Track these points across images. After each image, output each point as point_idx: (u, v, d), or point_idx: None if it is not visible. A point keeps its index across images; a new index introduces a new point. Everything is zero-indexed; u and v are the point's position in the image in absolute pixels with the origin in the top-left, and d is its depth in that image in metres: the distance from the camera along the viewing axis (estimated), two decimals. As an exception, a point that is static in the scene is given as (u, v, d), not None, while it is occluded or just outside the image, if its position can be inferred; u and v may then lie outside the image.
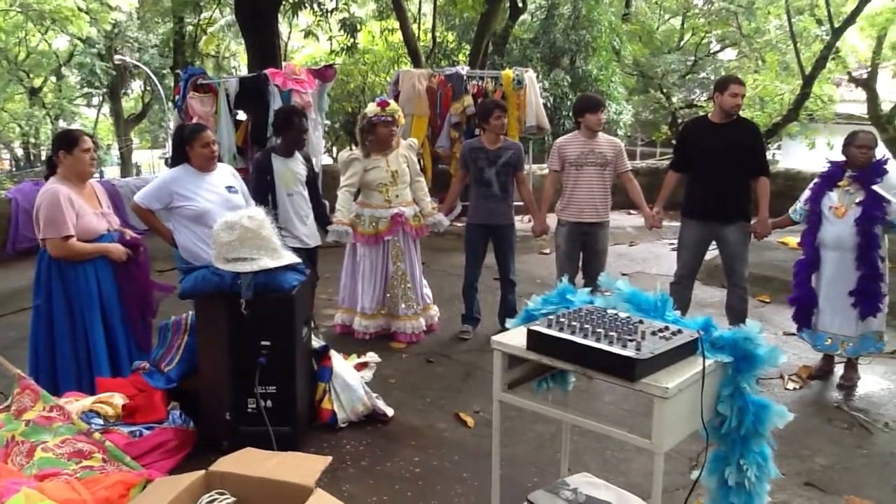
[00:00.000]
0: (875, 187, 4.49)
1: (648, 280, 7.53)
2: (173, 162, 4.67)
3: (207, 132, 4.61)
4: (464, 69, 9.35)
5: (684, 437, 2.45)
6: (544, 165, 11.52)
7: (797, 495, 3.67)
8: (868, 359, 5.25)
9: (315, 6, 12.64)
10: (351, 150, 5.89)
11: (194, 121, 7.59)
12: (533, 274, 7.75)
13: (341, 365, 4.40)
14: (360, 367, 4.66)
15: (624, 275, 7.87)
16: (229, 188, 4.66)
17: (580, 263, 5.68)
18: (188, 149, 4.52)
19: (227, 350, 3.81)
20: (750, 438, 2.48)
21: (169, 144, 4.99)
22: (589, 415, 2.59)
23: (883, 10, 14.57)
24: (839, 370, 5.16)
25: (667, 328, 2.41)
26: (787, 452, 4.07)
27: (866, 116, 14.46)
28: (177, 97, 8.54)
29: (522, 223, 7.47)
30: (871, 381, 5.13)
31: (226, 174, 4.76)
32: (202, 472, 2.75)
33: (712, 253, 5.56)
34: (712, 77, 18.17)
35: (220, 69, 21.95)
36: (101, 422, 3.67)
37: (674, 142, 6.14)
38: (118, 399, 3.82)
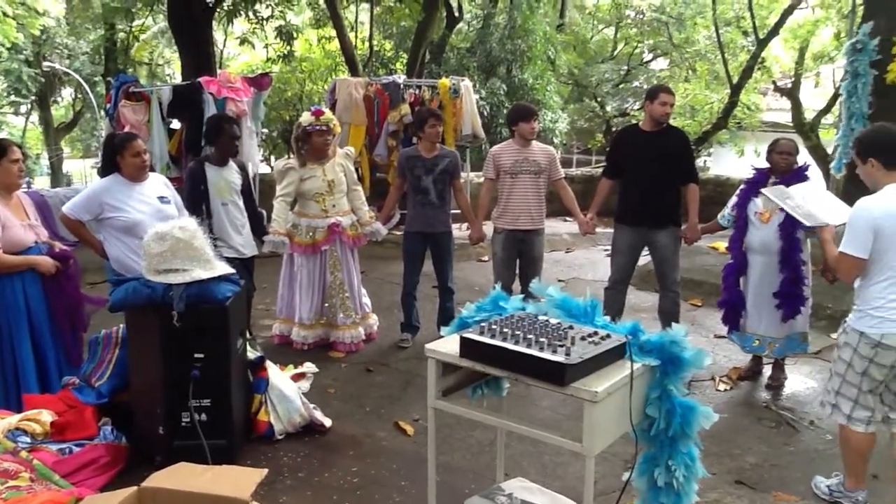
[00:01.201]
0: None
1: (584, 286, 7.66)
2: (103, 172, 4.58)
3: (138, 141, 4.53)
4: (401, 78, 9.37)
5: (614, 440, 2.51)
6: (482, 173, 11.60)
7: (728, 493, 3.77)
8: (794, 359, 5.44)
9: (250, 14, 12.52)
10: (287, 159, 5.86)
11: (126, 129, 7.45)
12: (471, 281, 7.80)
13: (278, 376, 4.36)
14: (298, 377, 4.63)
15: (560, 281, 8.00)
16: (161, 198, 4.59)
17: (517, 270, 5.75)
18: (119, 158, 4.43)
19: (159, 363, 3.74)
20: (678, 440, 2.55)
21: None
22: (524, 420, 2.63)
23: (804, 22, 15.12)
24: (767, 371, 5.33)
25: (596, 333, 2.46)
26: (719, 452, 4.19)
27: (790, 124, 14.96)
28: (108, 105, 8.37)
29: (460, 231, 7.52)
30: (798, 380, 5.31)
31: (158, 184, 4.68)
32: (134, 488, 2.70)
33: (646, 258, 5.68)
34: (645, 86, 18.55)
35: (153, 77, 21.54)
36: (28, 440, 3.57)
37: (608, 149, 6.27)
38: (46, 416, 3.72)
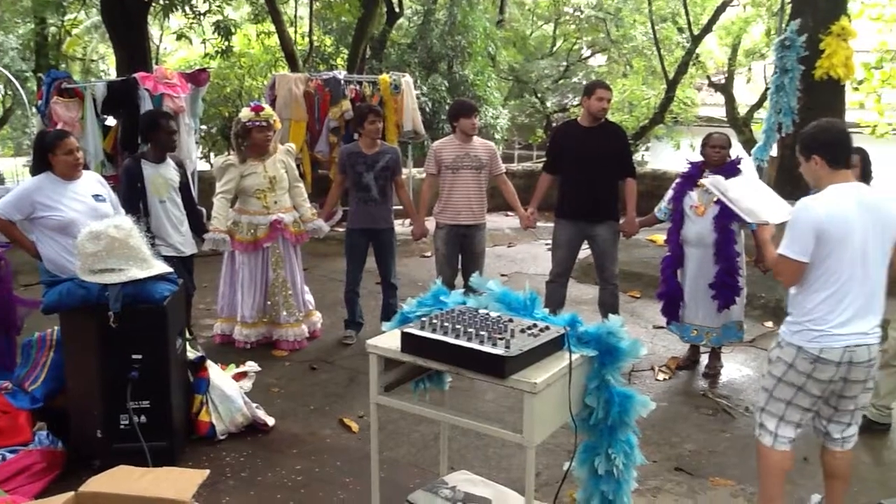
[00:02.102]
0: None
1: (527, 280, 7.74)
2: (35, 170, 4.46)
3: (71, 139, 4.42)
4: (341, 74, 9.32)
5: (556, 431, 2.55)
6: (424, 168, 11.60)
7: (668, 480, 3.86)
8: (730, 347, 5.59)
9: (187, 8, 12.27)
10: (227, 155, 5.79)
11: (59, 127, 7.25)
12: (414, 277, 7.81)
13: (219, 376, 4.31)
14: (239, 376, 4.58)
15: (503, 275, 8.07)
16: (96, 196, 4.49)
17: (459, 265, 5.78)
18: (51, 156, 4.32)
19: (96, 365, 3.67)
20: (616, 428, 2.60)
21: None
22: (469, 413, 2.66)
23: (737, 19, 15.52)
24: (705, 360, 5.47)
25: (535, 325, 2.50)
26: (659, 440, 4.29)
27: (725, 119, 15.33)
28: (39, 102, 8.14)
29: (403, 227, 7.52)
30: (733, 368, 5.46)
31: (92, 182, 4.58)
32: (71, 493, 2.65)
33: (586, 252, 5.77)
34: (584, 82, 18.74)
35: (87, 73, 20.98)
36: (-42, 447, 3.47)
37: (547, 145, 6.36)
38: (-22, 422, 3.62)
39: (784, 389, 3.13)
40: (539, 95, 18.19)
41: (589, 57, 21.09)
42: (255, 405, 4.35)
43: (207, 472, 2.86)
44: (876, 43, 9.60)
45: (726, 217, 4.87)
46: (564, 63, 19.51)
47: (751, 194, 3.58)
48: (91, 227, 3.72)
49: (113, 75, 13.75)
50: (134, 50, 10.28)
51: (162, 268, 3.86)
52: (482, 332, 2.39)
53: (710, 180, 3.72)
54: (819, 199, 3.04)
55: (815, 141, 3.13)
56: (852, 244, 2.97)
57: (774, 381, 3.16)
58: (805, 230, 2.98)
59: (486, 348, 2.31)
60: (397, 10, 13.54)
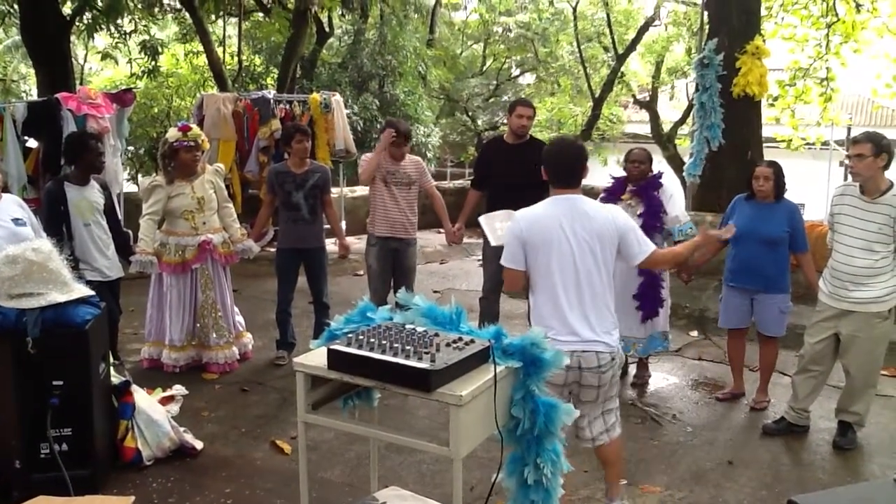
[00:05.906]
0: (481, 218, 4.43)
1: (459, 296, 7.73)
2: (-51, 194, 4.32)
3: (-14, 161, 4.31)
4: (270, 93, 9.27)
5: (482, 442, 2.58)
6: (356, 188, 11.61)
7: (599, 489, 3.92)
8: (657, 357, 5.72)
9: (112, 28, 12.04)
10: (155, 176, 5.69)
11: (-25, 150, 7.04)
12: (347, 296, 7.75)
13: (145, 400, 4.22)
14: (166, 400, 4.49)
15: (435, 292, 8.11)
16: (16, 220, 4.36)
17: (392, 282, 5.79)
18: (-34, 180, 4.20)
19: (13, 394, 3.55)
20: (543, 437, 2.65)
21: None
22: (399, 430, 2.67)
23: (659, 38, 16.01)
24: (633, 369, 5.58)
25: (460, 339, 2.53)
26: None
27: (650, 135, 15.76)
28: (-45, 125, 7.87)
29: (334, 245, 7.49)
30: (660, 377, 5.59)
31: (11, 205, 4.45)
32: (-13, 526, 2.56)
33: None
34: (513, 100, 19.08)
35: (8, 93, 20.37)
36: None
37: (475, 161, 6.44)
38: None
39: None
40: (470, 114, 18.39)
41: (518, 76, 21.42)
42: (182, 429, 4.26)
43: (132, 498, 2.82)
44: (789, 61, 10.01)
45: (649, 229, 4.99)
46: (494, 82, 19.79)
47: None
48: (8, 250, 3.61)
49: (35, 95, 13.39)
50: (56, 69, 10.03)
51: (83, 291, 3.77)
52: (408, 347, 2.42)
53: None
54: (526, 211, 3.32)
55: (543, 157, 3.41)
56: (558, 252, 3.18)
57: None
58: (512, 240, 3.26)
59: (412, 363, 2.33)
60: (327, 29, 13.55)
